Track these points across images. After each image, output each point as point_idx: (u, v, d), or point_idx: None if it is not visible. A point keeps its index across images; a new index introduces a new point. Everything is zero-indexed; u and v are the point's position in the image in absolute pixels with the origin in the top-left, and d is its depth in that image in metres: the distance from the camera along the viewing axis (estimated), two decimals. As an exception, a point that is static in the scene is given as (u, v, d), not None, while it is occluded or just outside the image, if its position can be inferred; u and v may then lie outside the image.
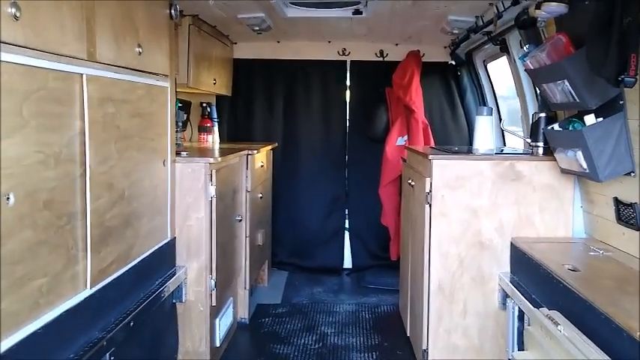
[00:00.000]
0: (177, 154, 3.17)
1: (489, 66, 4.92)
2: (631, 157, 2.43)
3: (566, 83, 2.53)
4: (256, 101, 5.48)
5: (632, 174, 2.46)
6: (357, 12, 3.99)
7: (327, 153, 5.53)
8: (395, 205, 4.99)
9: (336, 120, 5.54)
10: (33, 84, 1.73)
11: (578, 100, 2.53)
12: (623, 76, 2.01)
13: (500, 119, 4.61)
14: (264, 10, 3.96)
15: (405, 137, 5.03)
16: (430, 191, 3.09)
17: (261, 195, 4.52)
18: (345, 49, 5.41)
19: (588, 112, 2.55)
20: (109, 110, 2.27)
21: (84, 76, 2.04)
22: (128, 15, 2.47)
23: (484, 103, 5.02)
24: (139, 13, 2.59)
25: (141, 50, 2.57)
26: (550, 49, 2.64)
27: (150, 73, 2.73)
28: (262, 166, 4.60)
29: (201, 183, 3.12)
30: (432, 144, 4.92)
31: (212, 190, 3.16)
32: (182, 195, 3.12)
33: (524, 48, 3.07)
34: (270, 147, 4.97)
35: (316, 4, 3.88)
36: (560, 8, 2.53)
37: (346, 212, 5.60)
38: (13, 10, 1.59)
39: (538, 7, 2.63)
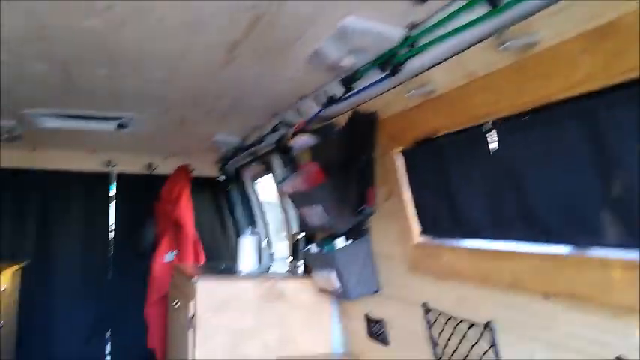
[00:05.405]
0: None
1: (261, 181, 5.09)
2: (376, 277, 2.66)
3: (319, 208, 2.72)
4: (3, 215, 4.84)
5: (378, 291, 2.68)
6: (122, 126, 3.87)
7: (87, 271, 5.02)
8: (163, 326, 4.69)
9: (99, 236, 5.14)
10: None
11: (329, 224, 2.72)
12: (362, 208, 2.22)
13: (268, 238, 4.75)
14: (16, 117, 3.62)
15: (175, 252, 4.87)
16: (194, 315, 2.98)
17: (2, 324, 3.88)
18: (110, 160, 5.16)
19: (340, 235, 2.75)
20: None
21: None
22: None
23: (252, 220, 5.15)
24: None
25: None
26: (304, 176, 2.84)
27: None
28: (4, 290, 4.00)
29: None
30: (203, 259, 4.83)
31: None
32: None
33: (283, 172, 3.26)
34: (16, 267, 4.37)
35: (76, 117, 3.67)
36: (311, 140, 2.77)
37: (108, 336, 5.08)
38: None
39: (292, 137, 2.85)
